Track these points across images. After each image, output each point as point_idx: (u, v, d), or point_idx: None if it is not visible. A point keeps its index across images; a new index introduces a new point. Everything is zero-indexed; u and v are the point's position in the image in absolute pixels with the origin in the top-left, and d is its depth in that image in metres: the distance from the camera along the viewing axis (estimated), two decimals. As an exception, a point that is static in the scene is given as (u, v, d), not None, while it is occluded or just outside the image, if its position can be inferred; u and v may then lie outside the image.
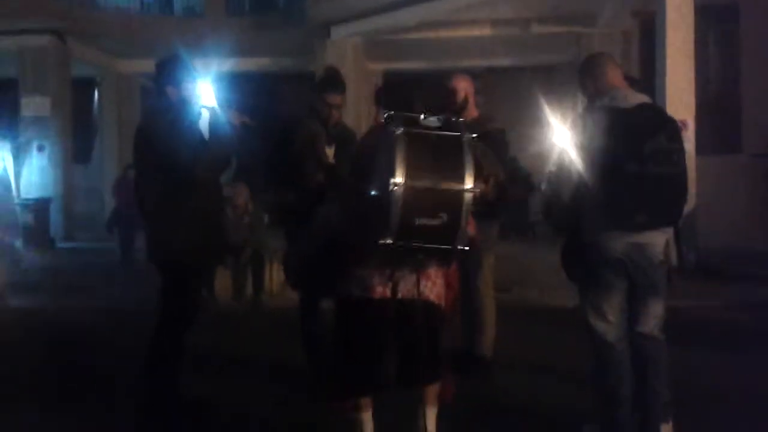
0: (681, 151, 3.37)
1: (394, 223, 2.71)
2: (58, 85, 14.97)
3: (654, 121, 3.35)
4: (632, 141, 3.26)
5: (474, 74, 5.21)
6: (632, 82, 4.37)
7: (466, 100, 4.79)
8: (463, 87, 4.81)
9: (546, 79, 16.24)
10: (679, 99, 8.95)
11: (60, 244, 14.01)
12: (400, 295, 3.16)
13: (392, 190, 2.68)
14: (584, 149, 3.37)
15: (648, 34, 11.47)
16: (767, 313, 6.62)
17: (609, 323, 3.46)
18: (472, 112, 4.86)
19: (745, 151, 10.37)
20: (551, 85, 16.10)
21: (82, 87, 17.13)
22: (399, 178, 2.69)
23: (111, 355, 5.48)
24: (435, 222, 2.79)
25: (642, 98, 3.49)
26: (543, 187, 4.28)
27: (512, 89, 16.28)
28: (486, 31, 13.37)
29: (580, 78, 3.67)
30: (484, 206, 3.97)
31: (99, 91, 17.81)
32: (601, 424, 3.56)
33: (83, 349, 5.78)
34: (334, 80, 4.59)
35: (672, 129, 3.36)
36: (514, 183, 5.37)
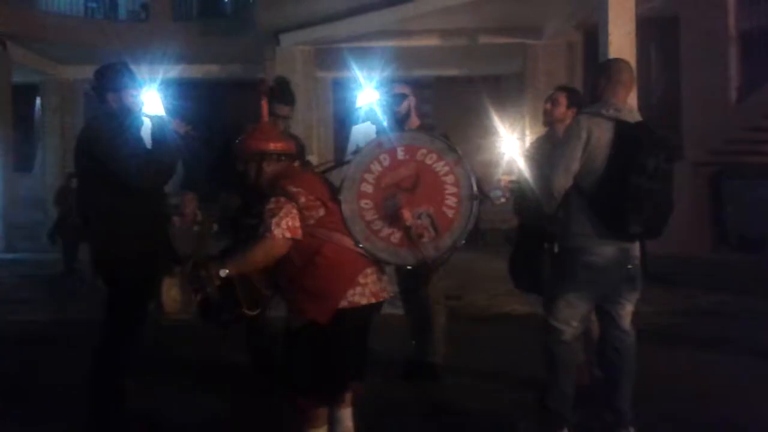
0: (672, 170, 3.49)
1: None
2: (-2, 91, 14.59)
3: (654, 140, 3.44)
4: (638, 156, 3.34)
5: (423, 83, 5.26)
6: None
7: (408, 109, 4.84)
8: (404, 98, 4.85)
9: (493, 89, 16.47)
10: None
11: (1, 255, 13.62)
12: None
13: None
14: (584, 155, 3.42)
15: (592, 46, 11.73)
16: (709, 320, 6.84)
17: (570, 327, 3.54)
18: (414, 121, 4.90)
19: (687, 160, 10.67)
20: (498, 95, 16.36)
21: (24, 93, 16.70)
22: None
23: (54, 367, 5.33)
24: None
25: (639, 118, 3.58)
26: (495, 195, 4.36)
27: (460, 98, 16.46)
28: (435, 41, 13.50)
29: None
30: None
31: (41, 98, 17.38)
32: (539, 420, 3.66)
33: (25, 362, 5.62)
34: (282, 91, 4.58)
35: (669, 149, 3.49)
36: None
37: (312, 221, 3.13)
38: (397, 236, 3.34)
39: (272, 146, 3.26)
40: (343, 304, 3.17)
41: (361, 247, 3.29)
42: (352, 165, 3.42)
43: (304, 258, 3.13)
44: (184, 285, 7.66)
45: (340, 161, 3.87)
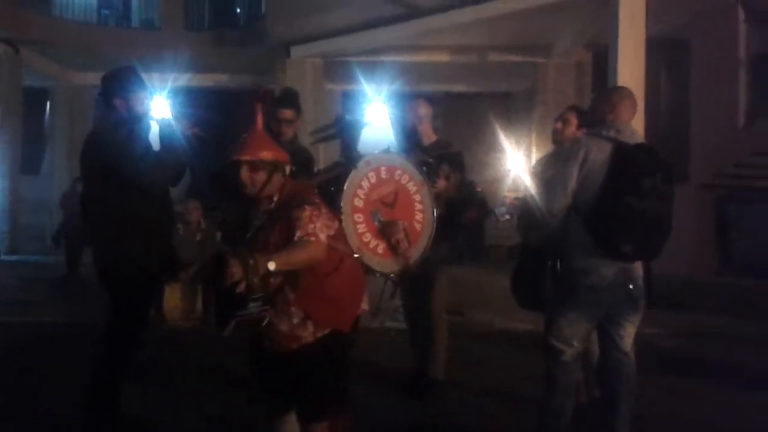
0: (672, 193, 3.50)
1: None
2: (9, 95, 14.66)
3: (653, 161, 3.45)
4: (632, 176, 3.36)
5: (432, 99, 5.28)
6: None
7: (422, 126, 4.85)
8: (420, 113, 4.86)
9: (502, 106, 16.51)
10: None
11: (5, 257, 13.65)
12: None
13: None
14: (583, 175, 3.44)
15: (601, 66, 11.76)
16: (713, 342, 6.80)
17: (571, 347, 3.53)
18: (430, 136, 4.90)
19: (693, 181, 10.65)
20: (507, 112, 16.39)
21: (34, 97, 16.80)
22: None
23: (54, 370, 5.33)
24: None
25: (641, 139, 3.62)
26: (500, 211, 4.41)
27: (469, 114, 16.49)
28: (444, 58, 13.54)
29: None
30: (440, 218, 4.13)
31: (51, 102, 17.48)
32: None
33: (28, 365, 5.62)
34: (285, 97, 4.59)
35: (668, 171, 3.49)
36: (470, 205, 5.47)
37: (332, 231, 3.14)
38: (381, 247, 3.76)
39: (269, 156, 3.17)
40: (359, 311, 3.27)
41: (357, 258, 3.44)
42: (347, 181, 3.67)
43: (328, 267, 3.10)
44: (185, 292, 7.68)
45: (342, 168, 3.91)
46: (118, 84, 3.91)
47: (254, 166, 3.13)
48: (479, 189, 13.92)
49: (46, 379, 5.13)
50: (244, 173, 3.13)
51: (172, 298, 7.57)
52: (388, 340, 6.19)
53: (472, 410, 4.60)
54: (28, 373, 5.38)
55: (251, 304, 2.82)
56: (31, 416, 4.43)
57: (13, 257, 13.75)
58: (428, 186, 4.07)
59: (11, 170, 14.70)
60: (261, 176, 3.14)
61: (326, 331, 3.12)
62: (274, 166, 3.17)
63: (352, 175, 3.71)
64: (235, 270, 2.72)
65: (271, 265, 2.81)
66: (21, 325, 7.37)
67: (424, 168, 4.18)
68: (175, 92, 14.20)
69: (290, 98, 4.59)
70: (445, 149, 4.81)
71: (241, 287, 2.74)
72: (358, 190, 3.72)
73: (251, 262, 2.75)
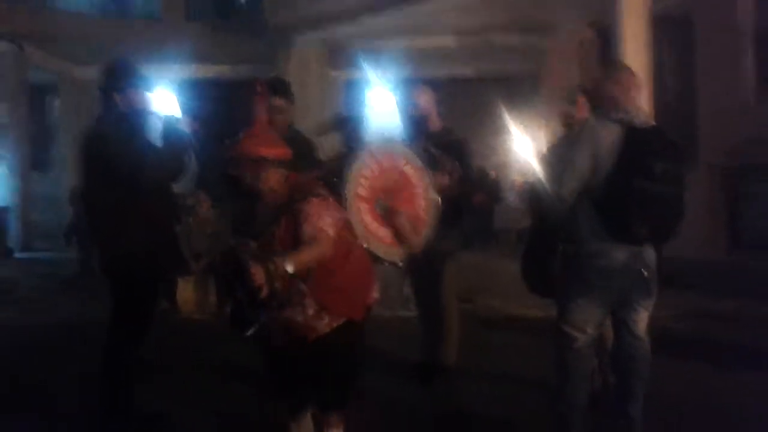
0: (683, 175, 3.48)
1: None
2: (15, 92, 14.68)
3: (664, 144, 3.44)
4: (643, 159, 3.34)
5: (435, 83, 5.26)
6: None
7: (427, 112, 4.83)
8: (425, 100, 4.83)
9: (507, 89, 16.42)
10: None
11: (18, 254, 13.72)
12: None
13: None
14: (593, 158, 3.41)
15: (605, 44, 11.66)
16: (721, 323, 6.77)
17: (584, 333, 3.52)
18: (436, 123, 4.89)
19: (701, 160, 10.58)
20: (512, 95, 16.30)
21: (40, 94, 16.83)
22: None
23: (69, 367, 5.38)
24: None
25: (651, 120, 3.60)
26: (510, 197, 4.39)
27: (473, 98, 16.42)
28: (449, 42, 13.46)
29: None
30: (449, 204, 4.13)
31: (57, 98, 17.49)
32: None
33: (41, 362, 5.67)
34: (275, 85, 4.57)
35: (680, 153, 3.50)
36: (480, 190, 5.48)
37: (340, 222, 3.15)
38: (387, 236, 3.78)
39: (271, 152, 3.20)
40: (371, 299, 3.31)
41: (365, 247, 3.49)
42: (350, 171, 3.68)
43: (338, 258, 3.13)
44: (198, 284, 7.71)
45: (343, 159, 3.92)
46: (115, 78, 3.90)
47: (254, 162, 3.14)
48: (494, 173, 13.89)
49: (61, 376, 5.18)
50: (244, 169, 3.15)
51: (185, 290, 7.61)
52: (399, 328, 6.20)
53: (484, 397, 4.61)
54: (43, 370, 5.42)
55: (272, 307, 2.85)
56: (46, 413, 4.48)
57: (26, 254, 13.83)
58: (428, 173, 4.10)
59: (21, 167, 14.75)
60: (261, 172, 3.15)
61: (341, 321, 3.14)
62: (274, 162, 3.17)
63: (355, 165, 3.73)
64: (258, 276, 2.74)
65: (290, 268, 2.84)
66: (36, 322, 7.43)
67: (426, 156, 4.18)
68: (178, 83, 14.18)
69: (280, 87, 4.57)
70: (450, 136, 4.80)
71: (265, 293, 2.76)
72: (361, 179, 3.73)
73: (272, 267, 2.77)
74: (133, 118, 3.85)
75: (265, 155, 3.17)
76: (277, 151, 3.22)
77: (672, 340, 5.67)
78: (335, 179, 3.72)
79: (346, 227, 3.28)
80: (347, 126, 4.56)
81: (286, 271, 2.83)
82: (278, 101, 4.48)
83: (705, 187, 9.97)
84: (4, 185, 14.48)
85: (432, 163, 4.22)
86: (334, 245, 3.04)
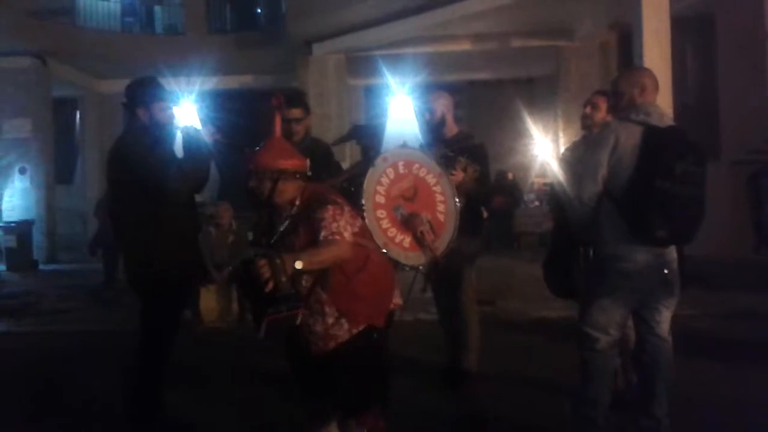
0: (704, 175, 3.46)
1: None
2: (39, 107, 14.90)
3: (684, 144, 3.43)
4: (664, 160, 3.33)
5: (455, 88, 5.28)
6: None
7: (443, 117, 4.85)
8: (441, 105, 4.85)
9: (526, 92, 16.40)
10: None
11: (43, 266, 13.91)
12: None
13: None
14: (614, 160, 3.41)
15: (625, 46, 11.61)
16: (748, 322, 6.70)
17: (607, 335, 3.51)
18: (452, 128, 4.90)
19: (723, 159, 10.49)
20: (531, 98, 16.28)
21: (64, 107, 17.06)
22: None
23: (96, 378, 5.44)
24: None
25: (671, 121, 3.59)
26: (529, 198, 4.38)
27: (493, 102, 16.42)
28: (466, 46, 13.48)
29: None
30: (468, 208, 4.13)
31: (80, 112, 17.74)
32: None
33: (68, 373, 5.74)
34: (292, 96, 4.63)
35: (699, 153, 3.46)
36: (500, 193, 5.49)
37: (356, 229, 3.17)
38: (407, 241, 3.79)
39: (288, 164, 3.22)
40: (392, 305, 3.32)
41: (384, 253, 3.52)
42: (368, 178, 3.73)
43: (356, 264, 3.16)
44: (220, 293, 7.78)
45: (360, 167, 3.95)
46: (140, 93, 3.97)
47: (272, 174, 3.17)
48: (511, 176, 13.88)
49: (90, 387, 5.24)
50: (262, 181, 3.18)
51: (208, 299, 7.67)
52: (422, 333, 6.20)
53: (506, 400, 4.60)
54: (71, 380, 5.49)
55: (281, 304, 2.88)
56: (75, 423, 4.53)
57: (51, 266, 14.00)
58: (447, 177, 4.10)
59: (46, 180, 14.95)
60: (279, 184, 3.18)
61: (361, 328, 3.16)
62: (292, 173, 3.21)
63: (371, 173, 3.77)
64: (263, 270, 2.78)
65: (299, 264, 2.86)
66: (62, 333, 7.52)
67: (443, 160, 4.20)
68: (201, 96, 14.34)
69: (296, 97, 4.65)
70: (467, 141, 4.82)
71: (270, 286, 2.79)
72: (377, 186, 3.77)
73: (278, 261, 2.81)
74: (157, 131, 3.92)
75: (283, 167, 3.21)
76: (294, 162, 3.26)
77: (696, 339, 5.63)
78: (352, 188, 3.75)
79: (364, 234, 3.31)
80: (366, 134, 4.59)
81: (293, 267, 2.86)
82: (295, 112, 4.55)
83: (728, 185, 9.88)
84: (28, 198, 14.69)
85: (449, 167, 4.24)
86: (351, 250, 3.07)
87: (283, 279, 2.81)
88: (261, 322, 2.91)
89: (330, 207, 3.08)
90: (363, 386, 3.20)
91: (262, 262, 2.79)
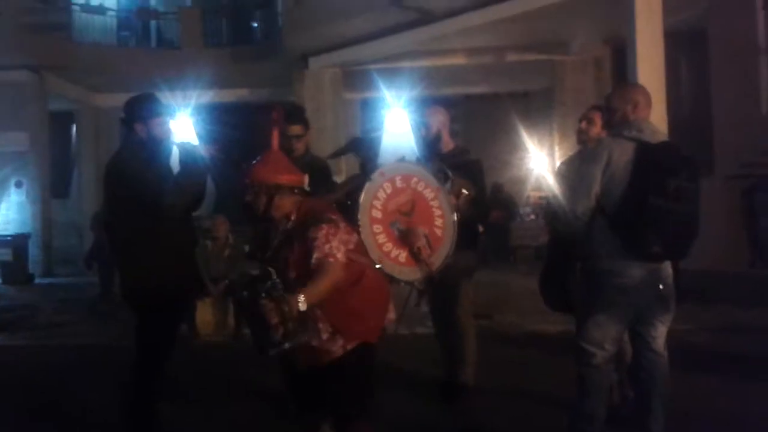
0: (698, 190, 3.47)
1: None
2: (35, 120, 14.92)
3: (677, 160, 3.44)
4: (656, 176, 3.34)
5: (451, 102, 5.30)
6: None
7: (438, 132, 4.85)
8: (437, 121, 4.86)
9: (521, 106, 16.46)
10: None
11: (39, 280, 13.87)
12: None
13: None
14: (607, 176, 3.42)
15: (619, 60, 11.68)
16: (744, 336, 6.71)
17: (602, 350, 3.52)
18: (448, 144, 4.91)
19: (718, 173, 10.53)
20: (527, 111, 16.33)
21: (60, 121, 17.06)
22: None
23: (92, 392, 5.41)
24: None
25: (664, 137, 3.60)
26: (525, 211, 4.40)
27: (489, 116, 16.47)
28: (462, 60, 13.54)
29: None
30: (464, 224, 4.14)
31: (76, 125, 17.74)
32: None
33: (63, 387, 5.71)
34: (292, 113, 4.64)
35: (692, 169, 3.48)
36: (495, 207, 5.49)
37: (351, 246, 3.17)
38: (403, 256, 3.79)
39: (285, 179, 3.22)
40: (385, 321, 3.32)
41: (378, 268, 3.51)
42: (364, 193, 3.71)
43: (351, 280, 3.15)
44: (216, 307, 7.77)
45: (357, 181, 3.96)
46: (138, 109, 3.98)
47: (268, 188, 3.18)
48: (505, 190, 13.92)
49: (86, 401, 5.22)
50: (258, 196, 3.18)
51: (204, 313, 7.66)
52: (418, 347, 6.20)
53: (503, 414, 4.59)
54: (67, 395, 5.47)
55: (287, 342, 2.88)
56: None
57: (47, 280, 13.96)
58: (445, 192, 4.09)
59: (42, 194, 14.95)
60: (275, 199, 3.18)
61: (355, 344, 3.16)
62: (289, 188, 3.21)
63: (368, 187, 3.77)
64: (271, 315, 2.78)
65: (303, 306, 2.87)
66: (58, 347, 7.49)
67: (440, 174, 4.20)
68: (197, 109, 14.37)
69: (297, 114, 4.66)
70: (462, 156, 4.83)
71: (280, 332, 2.80)
72: (374, 201, 3.77)
73: (286, 309, 2.81)
74: (155, 146, 3.92)
75: (279, 182, 3.21)
76: (291, 177, 3.26)
77: (692, 353, 5.63)
78: (349, 202, 3.76)
79: (359, 249, 3.30)
80: (363, 148, 4.60)
81: (299, 311, 2.88)
82: (295, 128, 4.57)
83: (724, 200, 9.92)
84: (24, 212, 14.68)
85: (445, 183, 4.24)
86: (344, 268, 3.07)
87: (291, 325, 2.82)
88: (264, 347, 2.91)
89: (324, 226, 3.07)
90: (354, 399, 3.21)
91: (270, 306, 2.79)
